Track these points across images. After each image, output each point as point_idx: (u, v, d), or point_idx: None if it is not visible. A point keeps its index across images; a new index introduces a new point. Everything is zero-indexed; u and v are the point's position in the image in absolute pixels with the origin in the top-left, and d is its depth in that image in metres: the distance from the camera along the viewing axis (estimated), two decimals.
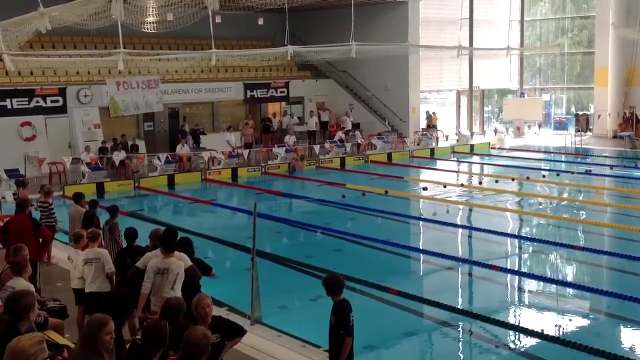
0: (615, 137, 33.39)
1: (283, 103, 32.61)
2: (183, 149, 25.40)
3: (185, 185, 23.59)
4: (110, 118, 26.44)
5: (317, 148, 28.33)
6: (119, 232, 10.77)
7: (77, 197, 12.84)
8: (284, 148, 27.25)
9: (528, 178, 22.91)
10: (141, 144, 26.48)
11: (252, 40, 32.12)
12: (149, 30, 22.33)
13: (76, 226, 11.60)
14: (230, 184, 24.27)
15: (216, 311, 6.61)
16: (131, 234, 9.04)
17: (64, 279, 10.25)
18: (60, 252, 12.85)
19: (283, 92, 31.66)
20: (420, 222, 18.04)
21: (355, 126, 31.51)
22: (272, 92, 31.44)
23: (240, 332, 6.29)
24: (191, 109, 30.00)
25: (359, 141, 29.69)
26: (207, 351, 4.69)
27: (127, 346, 5.87)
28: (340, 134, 29.78)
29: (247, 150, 26.87)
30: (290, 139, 28.31)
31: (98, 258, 8.62)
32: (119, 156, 23.85)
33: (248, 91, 30.62)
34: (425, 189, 21.71)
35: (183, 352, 4.66)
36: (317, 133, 31.24)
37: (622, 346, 9.60)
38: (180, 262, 7.60)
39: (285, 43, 25.96)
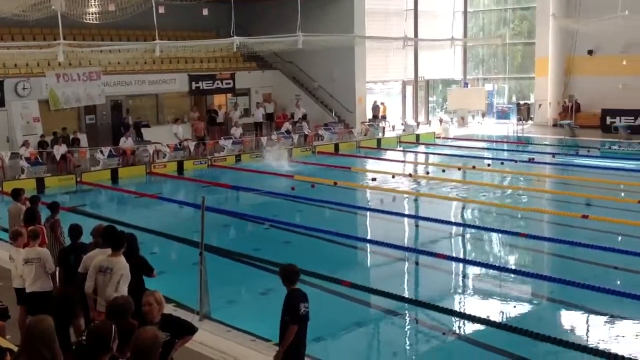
0: (555, 125, 34.22)
1: (229, 95, 32.30)
2: (126, 143, 24.92)
3: (129, 179, 23.17)
4: (50, 111, 25.68)
5: (264, 140, 28.21)
6: (61, 229, 10.48)
7: (16, 193, 12.41)
8: (231, 140, 27.05)
9: (474, 167, 23.29)
10: (83, 138, 25.83)
11: (196, 31, 31.66)
12: (91, 21, 21.78)
13: (16, 224, 11.23)
14: (176, 177, 23.95)
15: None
16: (75, 230, 8.79)
17: (5, 279, 9.95)
18: (1, 250, 12.46)
19: (229, 83, 31.32)
20: (370, 213, 18.14)
21: (302, 117, 31.47)
22: (217, 84, 31.06)
23: (191, 330, 6.19)
24: (134, 101, 29.43)
25: (306, 132, 29.67)
26: (158, 352, 4.59)
27: (73, 348, 5.71)
28: (287, 125, 29.69)
29: (194, 143, 26.54)
30: (236, 131, 28.09)
31: (39, 257, 8.39)
32: (59, 150, 23.24)
33: (193, 83, 30.18)
34: (374, 179, 21.85)
35: (132, 354, 4.55)
36: (263, 124, 31.08)
37: (564, 330, 9.86)
38: (125, 262, 7.37)
39: (231, 34, 25.72)
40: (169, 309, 7.27)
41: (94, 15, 21.39)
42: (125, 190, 21.49)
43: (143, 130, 27.70)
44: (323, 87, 33.03)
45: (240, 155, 26.71)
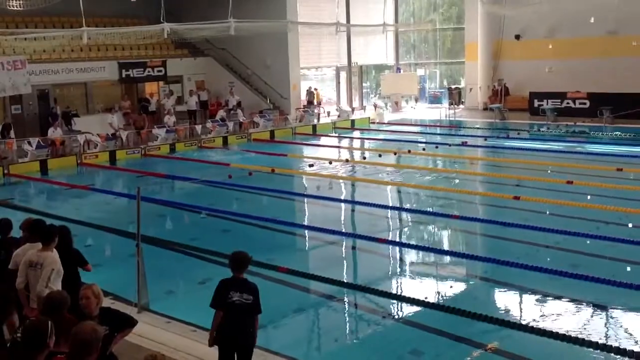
0: (485, 109, 35.02)
1: (161, 83, 31.71)
2: (55, 133, 24.19)
3: (60, 170, 22.55)
4: None
5: (198, 128, 27.87)
6: None
7: None
8: (164, 129, 26.61)
9: (409, 151, 23.61)
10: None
11: (126, 18, 30.92)
12: (15, 8, 20.97)
13: None
14: (109, 168, 23.43)
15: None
16: (5, 225, 8.48)
17: None
18: None
19: (160, 71, 30.74)
20: (308, 199, 18.19)
21: (237, 105, 31.21)
22: (149, 72, 30.42)
23: (130, 322, 6.08)
24: (62, 91, 28.55)
25: (241, 120, 29.46)
26: (98, 347, 4.48)
27: (8, 345, 5.53)
28: (221, 113, 29.41)
29: (126, 133, 25.97)
30: (170, 119, 27.65)
31: None
32: None
33: (123, 71, 29.47)
34: (311, 165, 21.89)
35: (71, 349, 4.43)
36: (197, 113, 30.68)
37: (498, 308, 10.13)
38: (56, 257, 7.13)
39: (161, 20, 25.24)
40: (106, 302, 7.11)
41: (18, 2, 20.61)
42: (56, 182, 20.89)
43: (73, 119, 26.95)
44: (257, 74, 32.85)
45: (175, 144, 26.31)
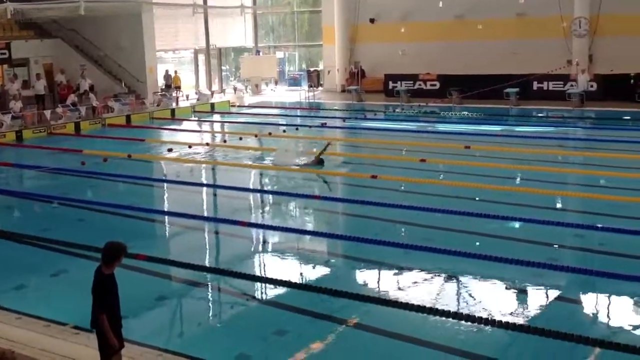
0: (343, 91, 35.77)
1: (5, 66, 29.66)
2: None
3: None
4: None
5: (47, 113, 26.40)
6: None
7: None
8: (10, 115, 24.98)
9: (270, 134, 23.65)
10: None
11: None
12: None
13: None
14: None
15: None
16: None
17: None
18: None
19: (4, 53, 28.67)
20: (167, 184, 17.77)
21: (89, 89, 29.85)
22: None
23: None
24: None
25: (94, 104, 28.22)
26: None
27: None
28: (72, 97, 28.02)
29: None
30: (16, 105, 25.97)
31: None
32: None
33: None
34: (170, 150, 21.39)
35: None
36: (46, 97, 29.01)
37: (358, 284, 10.43)
38: None
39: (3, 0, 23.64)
40: None
41: None
42: None
43: None
44: (110, 57, 31.56)
45: (22, 131, 24.77)
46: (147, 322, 9.17)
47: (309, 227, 13.82)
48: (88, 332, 7.38)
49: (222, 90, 38.00)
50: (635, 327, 8.47)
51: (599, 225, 12.21)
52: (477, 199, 14.71)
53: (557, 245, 11.68)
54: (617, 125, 23.94)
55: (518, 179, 16.80)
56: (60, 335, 7.94)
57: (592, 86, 28.86)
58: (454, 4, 32.87)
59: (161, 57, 34.87)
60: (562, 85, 29.70)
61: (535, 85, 30.10)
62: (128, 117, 28.20)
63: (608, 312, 9.32)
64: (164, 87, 33.13)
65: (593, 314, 9.33)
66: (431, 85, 32.70)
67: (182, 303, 9.95)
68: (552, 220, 12.52)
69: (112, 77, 31.65)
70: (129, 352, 7.06)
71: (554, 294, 9.77)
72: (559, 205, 14.69)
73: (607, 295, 9.66)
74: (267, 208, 15.62)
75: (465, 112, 27.98)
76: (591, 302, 9.70)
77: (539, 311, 9.12)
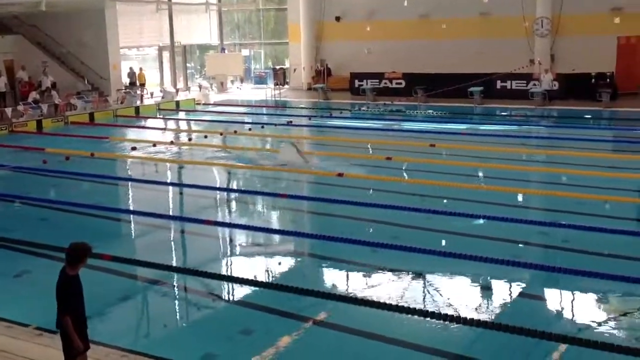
0: (309, 89, 35.78)
1: None
2: None
3: None
4: None
5: (8, 111, 25.89)
6: None
7: None
8: None
9: (235, 132, 23.53)
10: None
11: None
12: None
13: None
14: None
15: None
16: None
17: None
18: None
19: None
20: (132, 183, 17.56)
21: (51, 86, 29.36)
22: None
23: None
24: None
25: (56, 102, 27.76)
26: None
27: None
28: (34, 95, 27.52)
29: None
30: None
31: None
32: None
33: None
34: (134, 148, 21.14)
35: None
36: (7, 94, 28.44)
37: (324, 282, 10.44)
38: None
39: None
40: None
41: None
42: None
43: None
44: (73, 53, 31.08)
45: None
46: (113, 322, 9.04)
47: (276, 225, 13.79)
48: (51, 333, 7.26)
49: (187, 88, 37.70)
50: (598, 323, 8.62)
51: (563, 223, 12.40)
52: (442, 196, 14.82)
53: (521, 243, 11.85)
54: (579, 124, 24.35)
55: (482, 177, 17.00)
56: (22, 337, 7.80)
57: (554, 85, 29.33)
58: (419, 3, 33.11)
59: (125, 54, 34.44)
60: (525, 85, 30.13)
61: (499, 84, 30.48)
62: (91, 115, 27.82)
63: (572, 308, 9.48)
64: (128, 84, 32.74)
65: (557, 310, 9.47)
66: (397, 83, 32.89)
67: (148, 303, 9.85)
68: (516, 217, 12.68)
69: (75, 74, 31.17)
70: (94, 353, 6.96)
71: (518, 290, 9.90)
72: (523, 203, 14.89)
73: (571, 291, 9.83)
74: (233, 207, 15.54)
75: (431, 111, 28.20)
76: (555, 299, 9.85)
77: (504, 308, 9.24)
